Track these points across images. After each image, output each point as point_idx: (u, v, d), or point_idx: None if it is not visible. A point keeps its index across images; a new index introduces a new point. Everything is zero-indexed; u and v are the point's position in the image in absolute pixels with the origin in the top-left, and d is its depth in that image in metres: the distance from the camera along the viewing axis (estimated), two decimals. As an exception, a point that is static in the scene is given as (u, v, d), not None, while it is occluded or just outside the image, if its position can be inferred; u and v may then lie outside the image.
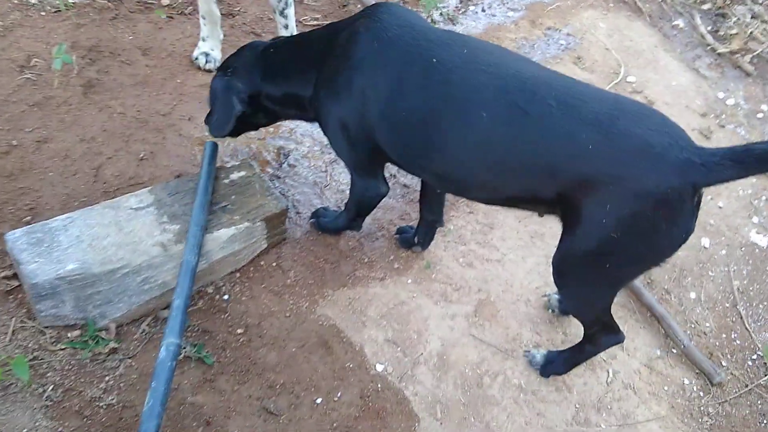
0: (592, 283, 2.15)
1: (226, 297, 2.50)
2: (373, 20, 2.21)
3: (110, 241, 2.35)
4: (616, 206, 1.89)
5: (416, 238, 2.78)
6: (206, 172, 2.58)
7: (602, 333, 2.35)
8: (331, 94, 2.30)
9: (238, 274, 2.58)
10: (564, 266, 2.13)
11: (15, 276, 2.33)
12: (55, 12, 3.29)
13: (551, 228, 3.12)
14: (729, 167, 1.80)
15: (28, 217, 2.49)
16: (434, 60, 2.08)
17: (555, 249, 2.11)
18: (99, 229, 2.37)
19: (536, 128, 1.93)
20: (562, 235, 2.09)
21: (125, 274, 2.30)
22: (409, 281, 2.72)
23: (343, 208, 2.73)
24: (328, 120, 2.36)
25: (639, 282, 3.00)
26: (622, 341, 2.39)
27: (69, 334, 2.24)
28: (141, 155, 2.80)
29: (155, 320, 2.37)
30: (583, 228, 1.97)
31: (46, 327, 2.24)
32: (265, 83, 2.46)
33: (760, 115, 4.28)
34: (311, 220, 2.79)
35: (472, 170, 2.11)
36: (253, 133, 3.04)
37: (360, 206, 2.63)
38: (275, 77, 2.46)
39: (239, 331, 2.41)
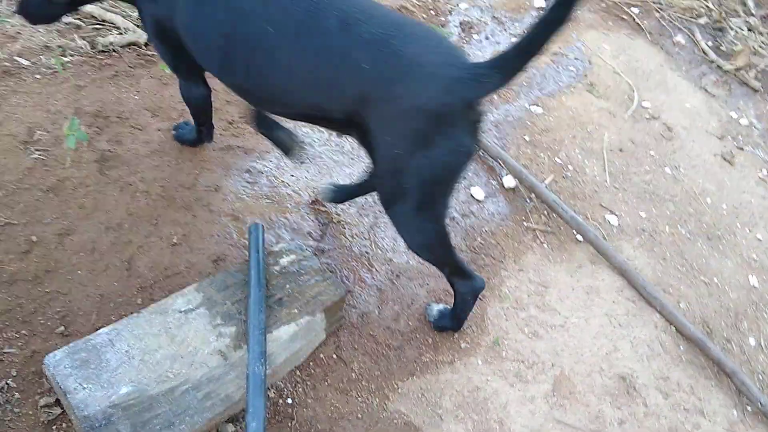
0: (408, 208, 2.13)
1: (290, 401, 2.26)
2: None
3: (163, 353, 2.09)
4: (394, 123, 1.97)
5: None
6: (256, 261, 2.33)
7: (456, 278, 2.39)
8: None
9: (298, 372, 2.34)
10: (380, 192, 2.22)
11: (57, 402, 2.04)
12: (51, 74, 2.98)
13: (604, 281, 2.97)
14: (494, 76, 1.87)
15: (61, 327, 2.20)
16: None
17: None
18: (149, 340, 2.11)
19: (317, 46, 1.95)
20: (372, 164, 2.20)
21: (185, 392, 2.05)
22: (480, 362, 2.52)
23: None
24: (144, 16, 2.37)
25: (701, 334, 2.87)
26: (480, 288, 2.44)
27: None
28: (173, 240, 2.53)
29: (219, 437, 2.13)
30: (375, 149, 2.06)
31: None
32: None
33: (776, 135, 4.22)
34: (173, 132, 2.90)
35: (264, 83, 2.13)
36: (287, 201, 2.80)
37: (191, 109, 2.69)
38: None
39: (311, 439, 2.18)
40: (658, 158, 3.75)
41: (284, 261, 2.43)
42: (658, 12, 4.97)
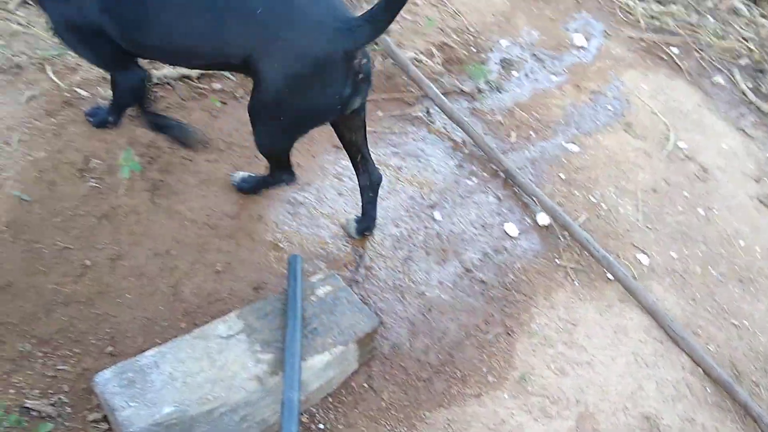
0: (273, 130, 2.46)
1: (321, 426, 2.37)
2: None
3: (204, 376, 2.21)
4: (281, 67, 2.21)
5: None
6: (294, 291, 2.45)
7: (279, 170, 2.73)
8: None
9: (330, 399, 2.45)
10: (253, 114, 2.43)
11: (105, 418, 2.18)
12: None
13: (632, 320, 3.02)
14: (369, 27, 2.14)
15: (110, 348, 2.35)
16: None
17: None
18: (191, 363, 2.23)
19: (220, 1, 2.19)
20: (252, 90, 2.37)
21: (223, 414, 2.17)
22: (506, 396, 2.60)
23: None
24: (56, 25, 2.44)
25: (729, 377, 2.90)
26: (294, 181, 2.80)
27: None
28: (217, 267, 2.66)
29: (253, 459, 2.23)
30: (263, 85, 2.28)
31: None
32: None
33: (814, 180, 4.23)
34: (88, 118, 3.00)
35: (180, 41, 2.32)
36: (324, 232, 2.93)
37: (128, 97, 2.76)
38: None
39: (341, 465, 2.28)
40: (691, 199, 3.80)
41: (320, 292, 2.54)
42: (698, 52, 5.02)
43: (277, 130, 2.47)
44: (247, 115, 2.45)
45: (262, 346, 2.33)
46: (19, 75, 3.18)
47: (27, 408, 2.12)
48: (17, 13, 3.54)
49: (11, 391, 2.15)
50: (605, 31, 4.94)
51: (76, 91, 3.18)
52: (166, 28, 2.31)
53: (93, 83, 3.25)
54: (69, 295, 2.42)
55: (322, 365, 2.35)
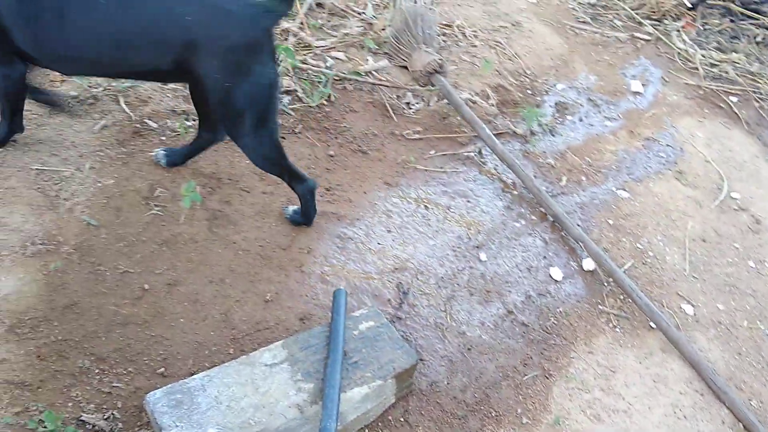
0: (248, 129, 2.66)
1: (357, 457, 2.45)
2: None
3: (248, 402, 2.33)
4: (219, 61, 2.47)
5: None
6: (337, 325, 2.56)
7: (294, 183, 2.90)
8: None
9: (366, 430, 2.53)
10: (225, 125, 2.73)
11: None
12: (175, 136, 3.34)
13: (673, 370, 3.03)
14: (281, 6, 2.49)
15: (162, 369, 2.48)
16: None
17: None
18: (236, 388, 2.35)
19: (143, 7, 2.41)
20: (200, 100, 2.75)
21: (263, 439, 2.28)
22: (539, 439, 2.65)
23: None
24: None
25: (756, 421, 2.88)
26: (313, 187, 2.96)
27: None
28: (267, 296, 2.79)
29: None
30: (207, 88, 2.54)
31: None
32: None
33: None
34: None
35: (96, 48, 2.51)
36: (371, 268, 3.03)
37: (6, 98, 2.79)
38: None
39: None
40: (742, 251, 3.78)
41: (363, 326, 2.65)
42: (758, 102, 4.99)
43: (253, 130, 2.67)
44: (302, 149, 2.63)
45: (304, 375, 2.44)
46: (95, 105, 3.41)
47: (83, 421, 2.27)
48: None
49: (69, 404, 2.31)
50: (663, 78, 4.97)
51: (146, 122, 3.38)
52: (81, 37, 2.48)
53: (162, 115, 3.45)
54: (127, 317, 2.58)
55: (360, 397, 2.45)
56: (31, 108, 3.26)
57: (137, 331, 2.56)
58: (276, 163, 2.83)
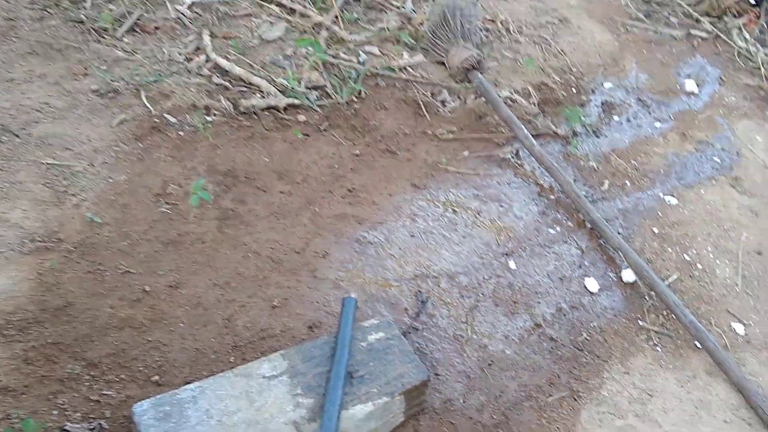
0: None
1: (359, 479, 2.27)
2: None
3: (240, 417, 2.17)
4: None
5: None
6: (344, 336, 2.38)
7: None
8: None
9: (372, 451, 2.34)
10: None
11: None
12: (193, 132, 3.22)
13: (718, 395, 2.76)
14: None
15: (156, 376, 2.35)
16: None
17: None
18: (229, 402, 2.20)
19: None
20: None
21: (254, 457, 2.11)
22: (561, 468, 2.42)
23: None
24: None
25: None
26: None
27: None
28: (274, 302, 2.64)
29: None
30: None
31: None
32: None
33: None
34: None
35: None
36: (389, 274, 2.85)
37: None
38: None
39: None
40: (802, 266, 3.47)
41: (372, 338, 2.46)
42: (826, 104, 4.62)
43: None
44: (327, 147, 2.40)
45: (304, 389, 2.27)
46: (115, 99, 3.31)
47: (66, 430, 2.14)
48: (124, 40, 3.69)
49: (54, 412, 2.19)
50: (720, 78, 4.65)
51: (165, 117, 3.27)
52: None
53: (182, 110, 3.34)
54: (124, 320, 2.45)
55: (363, 415, 2.26)
56: (49, 101, 3.18)
57: (133, 335, 2.43)
58: None
